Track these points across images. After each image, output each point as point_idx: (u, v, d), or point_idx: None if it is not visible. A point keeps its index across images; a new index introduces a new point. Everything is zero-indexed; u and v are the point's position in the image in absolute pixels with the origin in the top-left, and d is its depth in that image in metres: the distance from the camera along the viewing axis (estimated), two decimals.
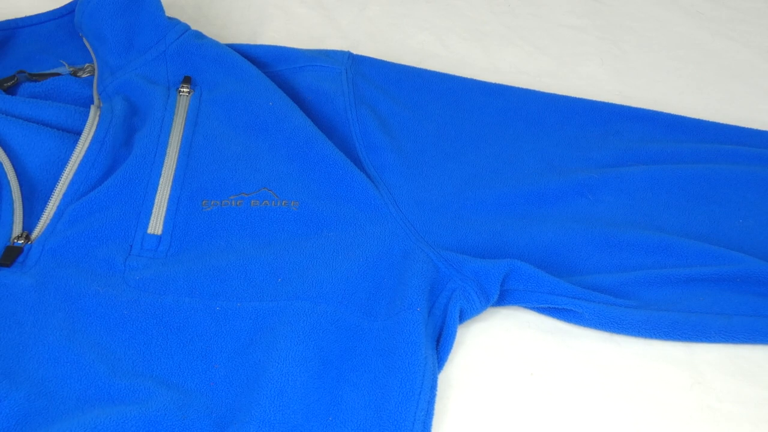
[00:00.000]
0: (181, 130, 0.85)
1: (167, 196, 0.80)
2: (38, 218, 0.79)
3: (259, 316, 0.73)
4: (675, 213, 0.85)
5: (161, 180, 0.81)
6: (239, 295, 0.74)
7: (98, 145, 0.82)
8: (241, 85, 0.88)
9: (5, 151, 0.81)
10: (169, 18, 0.92)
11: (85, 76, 0.91)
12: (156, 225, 0.79)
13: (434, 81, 0.95)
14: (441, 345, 0.74)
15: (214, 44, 0.91)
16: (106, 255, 0.76)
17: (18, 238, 0.77)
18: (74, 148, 0.82)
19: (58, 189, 0.79)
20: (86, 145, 0.82)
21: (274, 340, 0.71)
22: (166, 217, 0.79)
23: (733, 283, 0.79)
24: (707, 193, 0.87)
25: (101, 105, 0.86)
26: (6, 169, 0.80)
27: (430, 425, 0.69)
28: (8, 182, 0.79)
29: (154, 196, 0.80)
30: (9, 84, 0.89)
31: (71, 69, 0.91)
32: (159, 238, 0.78)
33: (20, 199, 0.79)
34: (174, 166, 0.82)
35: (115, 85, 0.88)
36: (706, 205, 0.86)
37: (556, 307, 0.77)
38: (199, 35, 0.93)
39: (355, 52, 0.96)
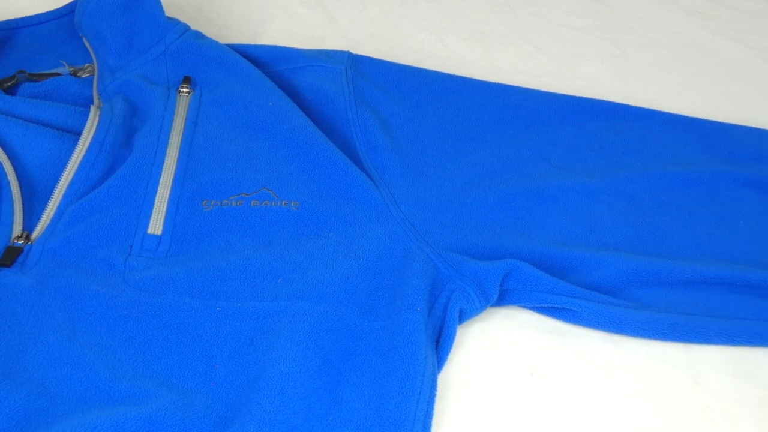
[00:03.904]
0: (181, 131, 0.85)
1: (167, 197, 0.80)
2: (38, 218, 0.79)
3: (260, 316, 0.73)
4: (675, 213, 0.85)
5: (161, 180, 0.81)
6: (239, 296, 0.74)
7: (98, 145, 0.82)
8: (241, 85, 0.88)
9: (5, 151, 0.81)
10: (169, 18, 0.92)
11: (85, 76, 0.91)
12: (156, 225, 0.79)
13: (434, 81, 0.95)
14: (441, 345, 0.74)
15: (214, 44, 0.91)
16: (106, 255, 0.76)
17: (18, 238, 0.77)
18: (74, 148, 0.82)
19: (58, 189, 0.79)
20: (86, 145, 0.82)
21: (275, 341, 0.71)
22: (166, 218, 0.79)
23: (733, 285, 0.79)
24: (707, 194, 0.87)
25: (101, 105, 0.86)
26: (6, 170, 0.80)
27: (430, 425, 0.69)
28: (8, 182, 0.79)
29: (154, 196, 0.80)
30: (9, 84, 0.89)
31: (71, 69, 0.91)
32: (159, 238, 0.78)
33: (20, 199, 0.79)
34: (174, 166, 0.82)
35: (115, 86, 0.88)
36: (706, 206, 0.86)
37: (556, 306, 0.78)
38: (199, 35, 0.93)
39: (355, 52, 0.96)
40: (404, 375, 0.70)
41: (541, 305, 0.78)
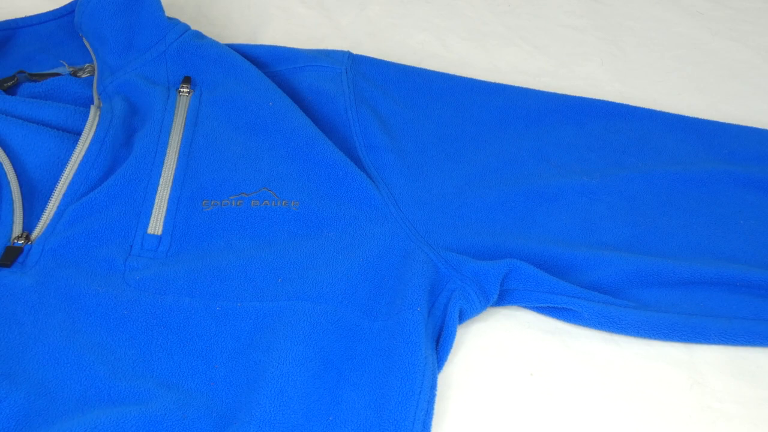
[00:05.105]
0: (181, 131, 0.85)
1: (167, 196, 0.80)
2: (38, 218, 0.79)
3: (260, 316, 0.73)
4: (675, 214, 0.85)
5: (161, 180, 0.81)
6: (239, 296, 0.74)
7: (98, 145, 0.82)
8: (241, 85, 0.88)
9: (5, 151, 0.81)
10: (169, 18, 0.92)
11: (85, 76, 0.91)
12: (156, 225, 0.79)
13: (434, 81, 0.95)
14: (441, 345, 0.74)
15: (214, 44, 0.91)
16: (107, 255, 0.76)
17: (18, 238, 0.77)
18: (74, 148, 0.82)
19: (58, 189, 0.79)
20: (86, 145, 0.82)
21: (275, 340, 0.71)
22: (166, 218, 0.79)
23: (733, 285, 0.79)
24: (707, 194, 0.87)
25: (101, 105, 0.86)
26: (6, 170, 0.80)
27: (430, 425, 0.69)
28: (8, 182, 0.79)
29: (154, 196, 0.80)
30: (9, 84, 0.89)
31: (71, 69, 0.91)
32: (159, 238, 0.78)
33: (20, 199, 0.79)
34: (174, 167, 0.82)
35: (115, 85, 0.88)
36: (707, 206, 0.86)
37: (556, 306, 0.78)
38: (199, 35, 0.93)
39: (355, 52, 0.96)
40: (404, 375, 0.70)
41: (541, 305, 0.78)
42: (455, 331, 0.75)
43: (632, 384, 0.75)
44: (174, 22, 0.92)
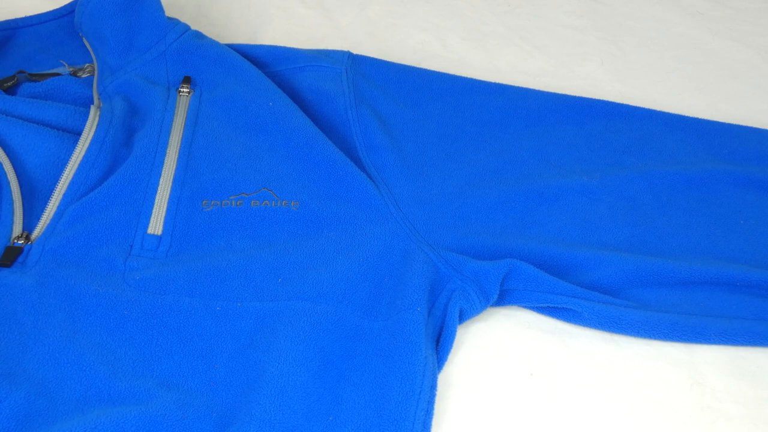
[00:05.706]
0: (181, 131, 0.85)
1: (167, 197, 0.80)
2: (38, 218, 0.79)
3: (260, 316, 0.73)
4: (675, 214, 0.85)
5: (161, 180, 0.81)
6: (239, 296, 0.74)
7: (98, 145, 0.82)
8: (241, 85, 0.88)
9: (5, 151, 0.81)
10: (169, 18, 0.92)
11: (85, 76, 0.91)
12: (156, 225, 0.79)
13: (434, 81, 0.95)
14: (441, 345, 0.74)
15: (214, 44, 0.91)
16: (107, 255, 0.76)
17: (18, 238, 0.77)
18: (74, 148, 0.82)
19: (58, 189, 0.79)
20: (86, 145, 0.82)
21: (275, 340, 0.71)
22: (166, 218, 0.79)
23: (733, 285, 0.79)
24: (707, 194, 0.87)
25: (101, 105, 0.86)
26: (6, 170, 0.80)
27: (430, 425, 0.69)
28: (8, 182, 0.79)
29: (154, 196, 0.80)
30: (9, 84, 0.89)
31: (71, 69, 0.91)
32: (159, 238, 0.78)
33: (20, 199, 0.79)
34: (174, 167, 0.82)
35: (115, 85, 0.88)
36: (707, 206, 0.86)
37: (556, 306, 0.78)
38: (199, 35, 0.93)
39: (355, 52, 0.96)
40: (404, 375, 0.70)
41: (541, 305, 0.78)
42: (455, 331, 0.75)
43: (632, 384, 0.75)
44: (174, 22, 0.92)
